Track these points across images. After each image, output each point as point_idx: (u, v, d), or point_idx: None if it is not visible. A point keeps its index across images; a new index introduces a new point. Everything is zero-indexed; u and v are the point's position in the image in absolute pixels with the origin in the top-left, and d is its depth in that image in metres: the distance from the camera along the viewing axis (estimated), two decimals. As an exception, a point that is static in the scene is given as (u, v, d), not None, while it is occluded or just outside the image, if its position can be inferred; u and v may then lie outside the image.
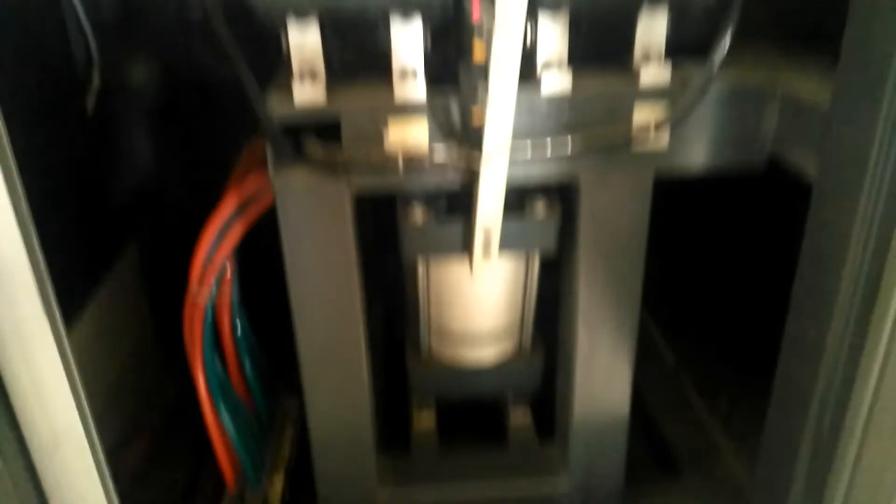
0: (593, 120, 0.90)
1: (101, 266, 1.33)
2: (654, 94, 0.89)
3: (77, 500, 0.78)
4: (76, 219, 1.25)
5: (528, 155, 0.89)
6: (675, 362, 1.57)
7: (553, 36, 0.87)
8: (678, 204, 1.18)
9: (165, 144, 1.55)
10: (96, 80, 1.35)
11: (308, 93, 0.86)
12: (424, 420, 1.32)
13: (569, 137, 0.90)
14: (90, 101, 1.35)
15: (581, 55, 0.90)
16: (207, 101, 1.50)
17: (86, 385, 0.77)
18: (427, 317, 1.17)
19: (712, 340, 1.55)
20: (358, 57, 0.93)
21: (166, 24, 1.47)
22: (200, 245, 1.07)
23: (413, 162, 0.87)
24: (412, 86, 0.86)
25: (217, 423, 1.15)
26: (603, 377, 1.08)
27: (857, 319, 0.75)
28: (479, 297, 1.11)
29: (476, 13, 0.82)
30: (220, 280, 1.10)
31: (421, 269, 1.10)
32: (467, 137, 0.87)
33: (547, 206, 1.02)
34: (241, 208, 1.06)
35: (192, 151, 1.54)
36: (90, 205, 1.31)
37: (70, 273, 1.20)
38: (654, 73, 0.89)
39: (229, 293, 1.13)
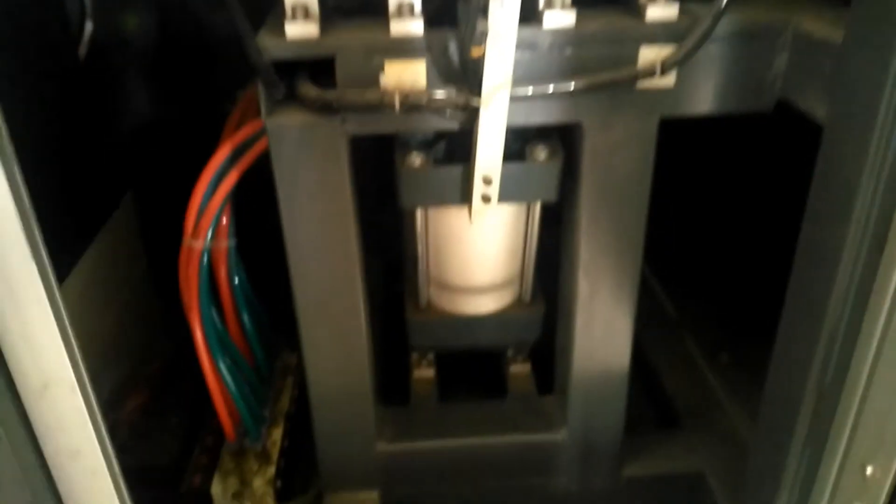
0: (597, 58, 0.87)
1: (98, 217, 1.32)
2: (661, 31, 0.86)
3: (69, 442, 0.77)
4: (71, 169, 1.24)
5: (529, 92, 0.86)
6: (676, 318, 1.56)
7: (556, -29, 0.84)
8: (678, 156, 1.16)
9: (161, 93, 1.52)
10: (89, 28, 1.33)
11: (300, 28, 0.83)
12: (424, 373, 1.31)
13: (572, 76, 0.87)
14: (83, 49, 1.32)
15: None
16: (204, 48, 1.47)
17: (78, 331, 0.76)
18: (426, 266, 1.15)
19: (715, 296, 1.54)
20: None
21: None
22: (195, 193, 1.06)
23: (410, 101, 0.85)
24: (409, 21, 0.83)
25: (215, 374, 1.15)
26: (603, 328, 1.07)
27: (863, 268, 0.73)
28: (479, 245, 1.10)
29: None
30: (215, 228, 1.09)
31: (419, 217, 1.08)
32: (466, 76, 0.84)
33: (549, 150, 0.99)
34: (236, 155, 1.04)
35: (189, 100, 1.51)
36: (85, 155, 1.29)
37: (65, 224, 1.19)
38: (660, 10, 0.85)
39: (225, 241, 1.12)
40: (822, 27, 0.83)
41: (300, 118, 0.89)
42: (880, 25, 0.67)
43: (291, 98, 0.89)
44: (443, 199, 1.02)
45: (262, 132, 0.97)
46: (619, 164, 0.95)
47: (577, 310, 1.06)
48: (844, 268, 0.75)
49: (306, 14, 0.84)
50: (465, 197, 0.99)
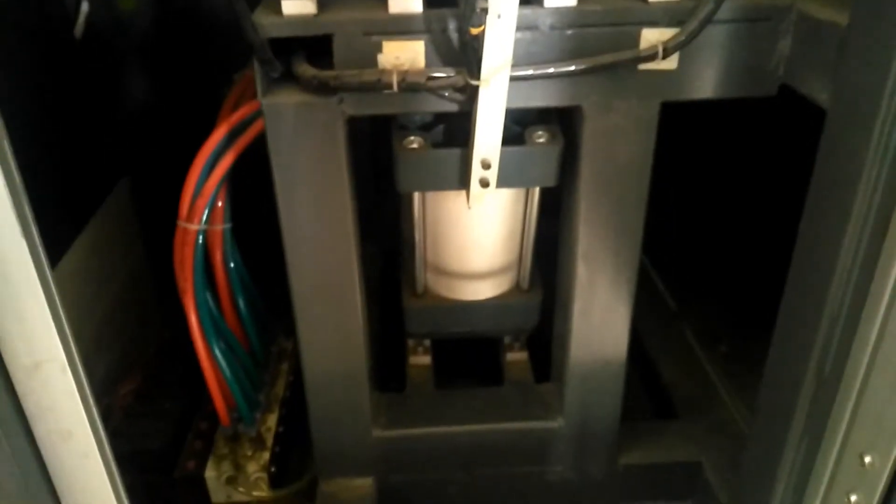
0: (598, 40, 0.86)
1: (92, 201, 1.31)
2: (663, 13, 0.84)
3: (60, 424, 0.76)
4: (65, 151, 1.23)
5: (530, 73, 0.85)
6: (675, 309, 1.55)
7: (557, -50, 0.83)
8: (678, 143, 1.15)
9: (158, 76, 1.51)
10: (85, 8, 1.31)
11: (297, 5, 0.82)
12: (420, 360, 1.31)
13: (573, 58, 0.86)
14: (78, 30, 1.31)
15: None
16: (202, 30, 1.45)
17: (71, 313, 0.75)
18: (423, 252, 1.14)
19: (714, 288, 1.54)
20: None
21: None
22: (191, 174, 1.05)
23: (408, 80, 0.84)
24: None
25: (210, 358, 1.15)
26: (601, 315, 1.06)
27: (865, 255, 0.73)
28: (477, 230, 1.09)
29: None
30: (211, 211, 1.08)
31: (417, 202, 1.07)
32: (466, 57, 0.83)
33: (548, 134, 0.98)
34: (232, 136, 1.03)
35: (186, 83, 1.50)
36: (79, 136, 1.28)
37: (59, 207, 1.18)
38: (663, -10, 0.84)
39: (221, 224, 1.11)
40: (826, 10, 0.82)
41: (297, 98, 0.88)
42: (886, 8, 0.66)
43: (288, 78, 0.88)
44: (441, 184, 1.01)
45: (258, 114, 0.96)
46: (619, 148, 0.94)
47: (575, 297, 1.05)
48: (846, 254, 0.74)
49: (304, -8, 0.83)
50: (464, 181, 0.98)
